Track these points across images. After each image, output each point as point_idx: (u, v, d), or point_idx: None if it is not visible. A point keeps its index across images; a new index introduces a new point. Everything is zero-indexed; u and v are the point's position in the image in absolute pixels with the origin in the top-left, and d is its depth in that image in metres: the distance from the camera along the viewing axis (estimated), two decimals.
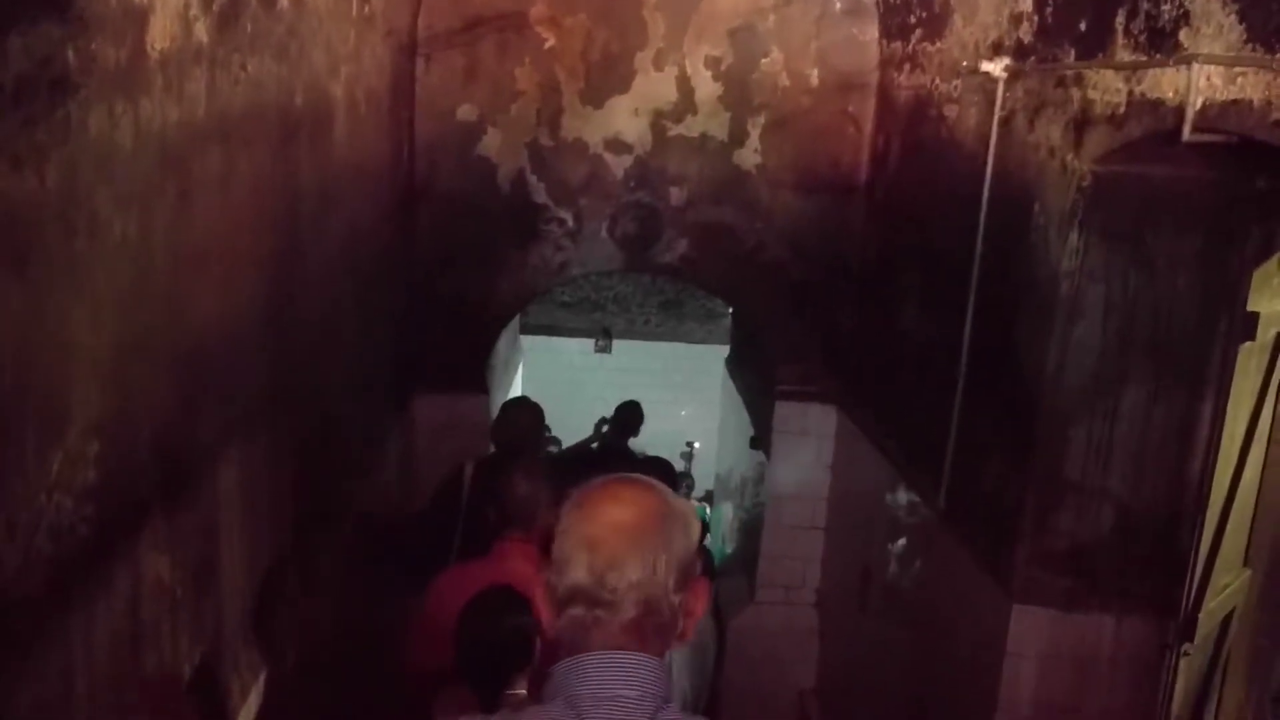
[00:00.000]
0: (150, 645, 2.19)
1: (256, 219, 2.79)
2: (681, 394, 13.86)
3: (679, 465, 11.80)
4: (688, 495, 7.98)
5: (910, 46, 4.71)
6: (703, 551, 3.55)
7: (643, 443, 7.10)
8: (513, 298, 5.57)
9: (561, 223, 5.38)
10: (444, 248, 5.34)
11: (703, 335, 12.36)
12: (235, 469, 2.68)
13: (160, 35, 2.07)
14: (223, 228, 2.50)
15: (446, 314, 5.41)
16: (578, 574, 1.50)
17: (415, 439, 5.46)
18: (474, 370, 5.61)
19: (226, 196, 2.52)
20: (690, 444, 12.58)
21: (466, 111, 5.19)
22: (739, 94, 5.22)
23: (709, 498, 10.61)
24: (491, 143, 5.24)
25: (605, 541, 1.50)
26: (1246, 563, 3.12)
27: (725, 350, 9.28)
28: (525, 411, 4.55)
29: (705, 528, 5.87)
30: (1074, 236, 3.11)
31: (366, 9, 3.95)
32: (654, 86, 5.20)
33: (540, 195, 5.33)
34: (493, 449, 4.55)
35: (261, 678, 2.91)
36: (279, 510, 3.13)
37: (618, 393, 12.46)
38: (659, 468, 4.91)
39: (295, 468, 3.28)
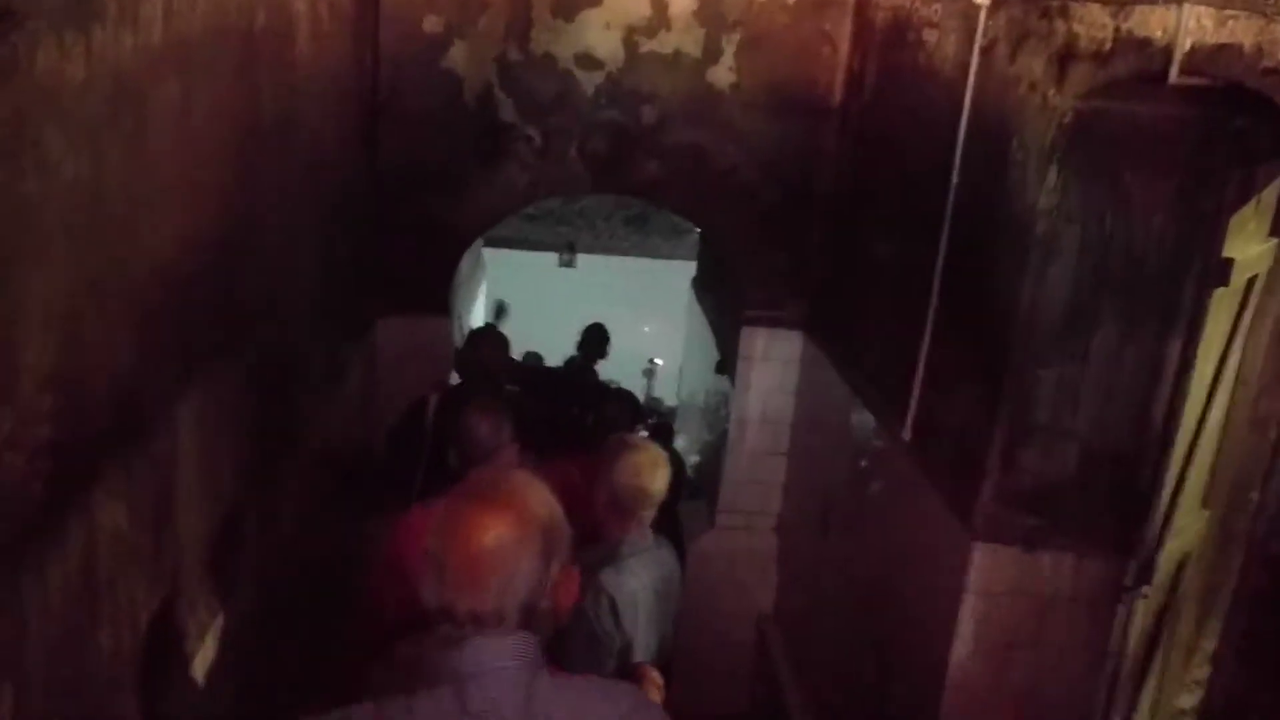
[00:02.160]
0: (107, 595, 2.15)
1: (216, 148, 2.68)
2: (646, 310, 13.83)
3: (640, 383, 11.83)
4: (657, 421, 7.95)
5: None
6: (677, 487, 3.55)
7: (608, 358, 7.09)
8: (478, 219, 5.45)
9: (529, 141, 5.25)
10: (408, 166, 5.20)
11: (668, 251, 12.26)
12: (194, 408, 2.61)
13: None
14: (181, 161, 2.40)
15: (410, 235, 5.29)
16: (445, 596, 1.58)
17: (379, 362, 5.39)
18: (438, 292, 5.52)
19: (185, 128, 2.41)
20: (653, 361, 12.58)
21: (432, 23, 5.01)
22: (714, 9, 5.08)
23: (671, 415, 10.65)
24: (458, 56, 5.08)
25: (469, 565, 1.57)
26: (1206, 504, 3.17)
27: (691, 267, 9.21)
28: (489, 341, 4.49)
29: (680, 465, 5.90)
30: (1052, 174, 3.07)
31: None
32: (627, 0, 5.04)
33: (508, 112, 5.19)
34: (457, 379, 4.50)
35: (220, 619, 2.89)
36: (238, 447, 3.07)
37: (582, 307, 12.41)
38: (624, 400, 4.87)
39: (255, 402, 3.21)
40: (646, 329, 13.79)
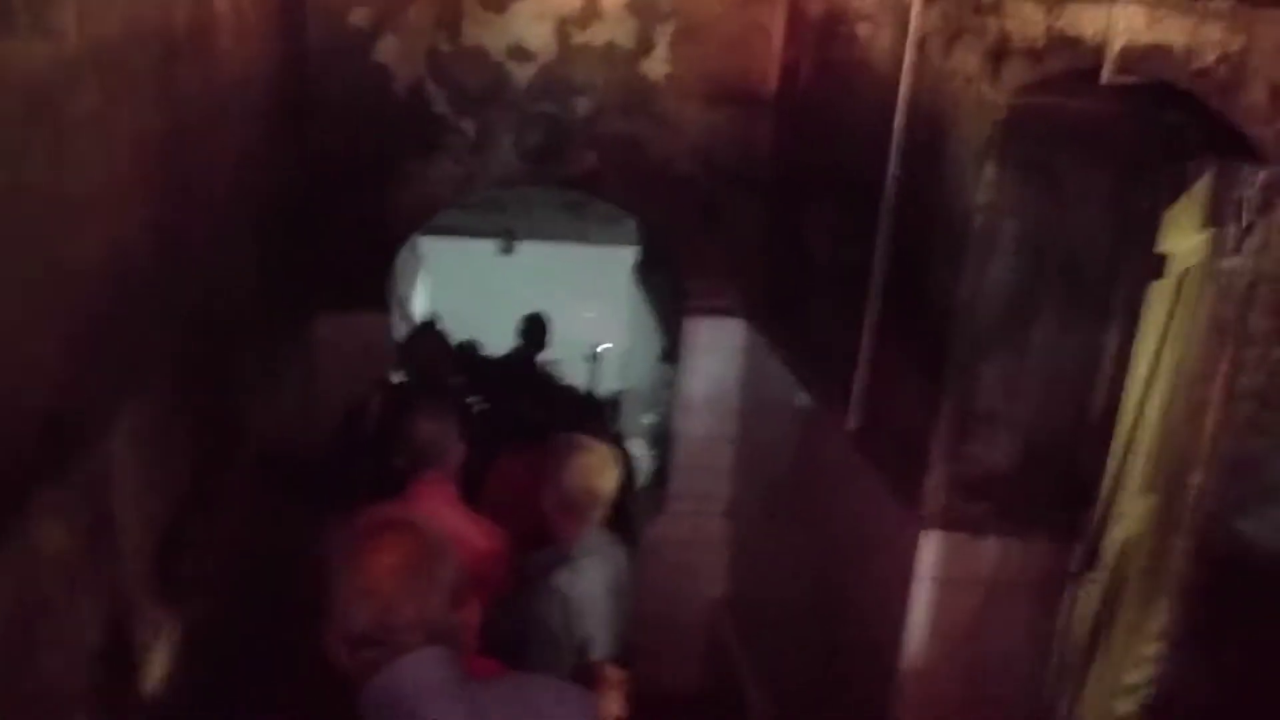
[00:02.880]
0: (47, 620, 2.08)
1: (139, 153, 2.59)
2: (587, 296, 13.76)
3: (585, 369, 11.78)
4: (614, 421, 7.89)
5: None
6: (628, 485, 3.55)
7: (547, 349, 7.02)
8: (414, 213, 5.36)
9: (463, 134, 5.17)
10: (341, 161, 5.10)
11: (608, 236, 12.20)
12: (129, 420, 2.54)
13: None
14: (103, 169, 2.32)
15: (345, 230, 5.20)
16: (361, 621, 1.70)
17: (318, 359, 5.29)
18: (375, 288, 5.43)
19: (106, 134, 2.33)
20: (595, 347, 12.54)
21: (360, 16, 4.91)
22: (646, 1, 5.04)
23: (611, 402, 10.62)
24: (387, 49, 4.98)
25: (380, 588, 1.70)
26: (1148, 489, 3.22)
27: (630, 251, 9.18)
28: (429, 339, 4.44)
29: (630, 464, 5.89)
30: (989, 169, 3.08)
31: None
32: None
33: (440, 105, 5.10)
34: (399, 378, 4.44)
35: (171, 630, 2.82)
36: (177, 455, 3.00)
37: (522, 294, 12.32)
38: (569, 395, 4.82)
39: (192, 409, 3.14)
40: (589, 314, 13.72)
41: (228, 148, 3.53)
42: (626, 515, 3.98)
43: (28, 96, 1.91)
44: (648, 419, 7.86)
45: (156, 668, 2.71)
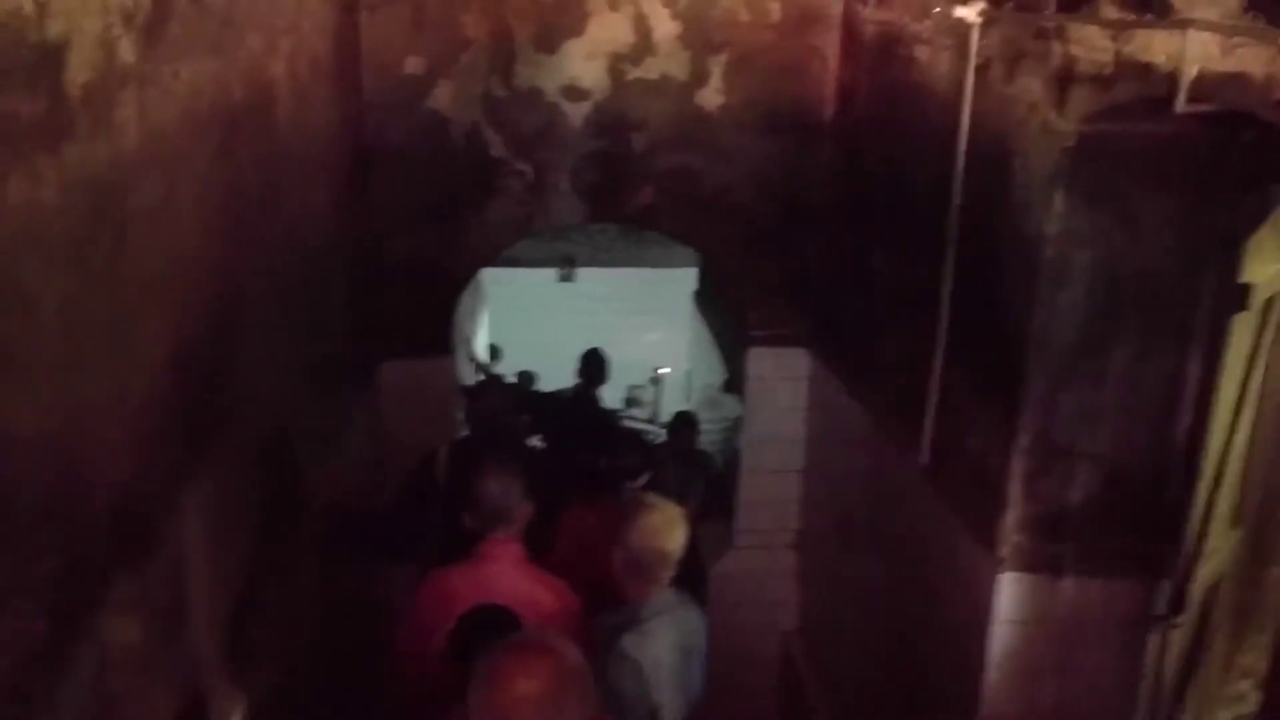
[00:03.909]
0: (123, 711, 2.09)
1: (201, 233, 2.61)
2: (648, 319, 13.78)
3: (648, 391, 11.77)
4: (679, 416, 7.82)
5: None
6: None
7: (611, 370, 7.00)
8: (474, 256, 5.39)
9: (521, 175, 5.18)
10: (400, 209, 5.13)
11: (666, 259, 12.20)
12: (196, 499, 2.56)
13: (81, 69, 1.88)
14: (165, 255, 2.34)
15: (407, 277, 5.22)
16: None
17: (384, 406, 5.32)
18: (438, 332, 5.45)
19: (167, 219, 2.35)
20: (658, 370, 12.53)
21: (414, 64, 4.94)
22: (698, 32, 5.00)
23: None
24: (442, 96, 5.00)
25: (518, 713, 1.76)
26: (1236, 524, 3.10)
27: (689, 273, 9.14)
28: (495, 392, 4.45)
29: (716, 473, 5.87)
30: (1059, 199, 3.00)
31: None
32: (609, 28, 4.97)
33: (497, 148, 5.12)
34: (466, 430, 4.45)
35: (243, 704, 2.83)
36: (245, 526, 3.02)
37: (583, 322, 12.37)
38: (634, 443, 4.79)
39: (258, 474, 3.15)
40: (650, 337, 13.73)
41: (289, 207, 3.56)
42: (697, 565, 3.93)
43: (90, 194, 1.93)
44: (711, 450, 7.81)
45: None
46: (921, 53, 4.01)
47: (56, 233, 1.79)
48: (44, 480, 1.74)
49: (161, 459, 2.32)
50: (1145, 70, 2.56)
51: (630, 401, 9.30)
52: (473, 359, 7.32)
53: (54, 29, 1.76)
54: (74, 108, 1.85)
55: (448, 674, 2.63)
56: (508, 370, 9.47)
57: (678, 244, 9.89)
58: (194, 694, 2.50)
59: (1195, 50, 2.34)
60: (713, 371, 7.78)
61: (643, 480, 4.02)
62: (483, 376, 7.24)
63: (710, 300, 7.62)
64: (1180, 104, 2.39)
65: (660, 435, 9.40)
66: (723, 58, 5.04)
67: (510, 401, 4.51)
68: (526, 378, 9.29)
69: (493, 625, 2.60)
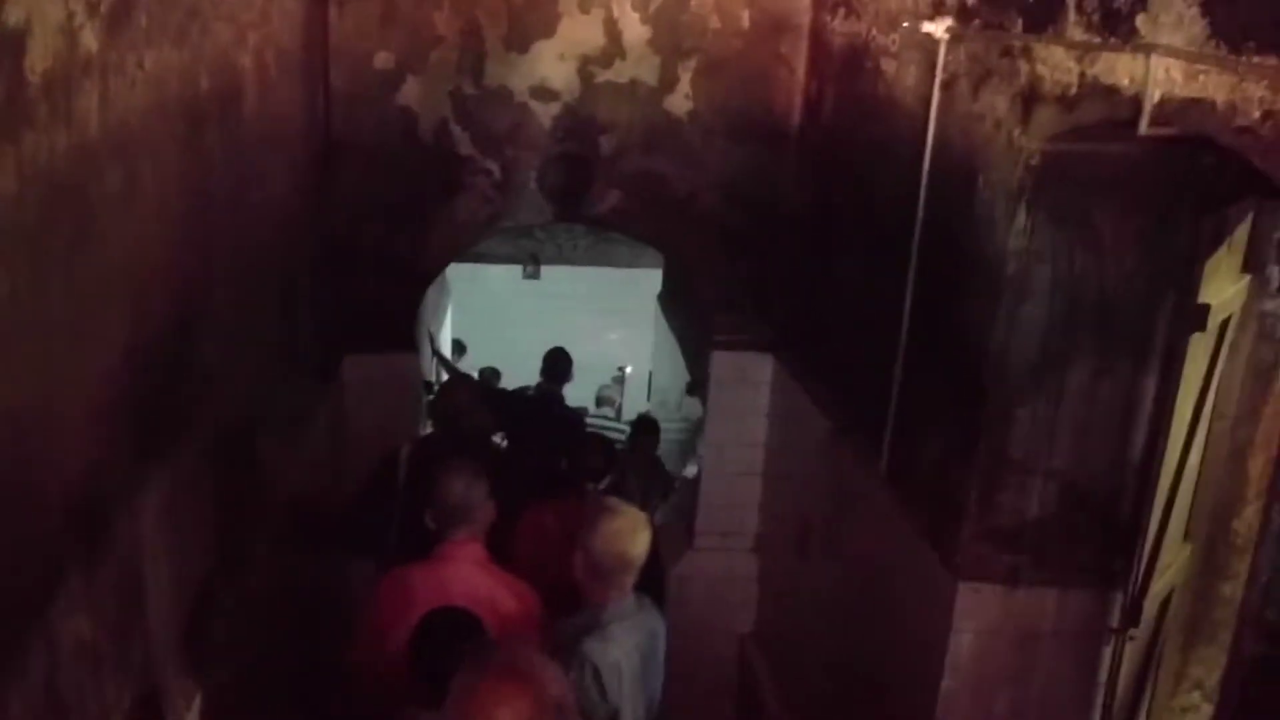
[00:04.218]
0: (74, 709, 2.06)
1: (165, 226, 2.58)
2: (612, 318, 13.78)
3: (612, 392, 11.76)
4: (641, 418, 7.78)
5: None
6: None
7: (575, 369, 7.00)
8: (440, 252, 5.36)
9: (488, 174, 5.16)
10: (367, 204, 5.09)
11: (631, 259, 12.20)
12: (155, 494, 2.52)
13: (41, 56, 1.84)
14: (127, 248, 2.31)
15: (372, 272, 5.18)
16: None
17: (346, 401, 5.29)
18: (402, 327, 5.42)
19: (128, 211, 2.31)
20: (622, 369, 12.52)
21: (384, 59, 4.91)
22: (669, 37, 5.01)
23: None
24: (411, 92, 4.97)
25: None
26: (1188, 537, 3.15)
27: (654, 273, 9.14)
28: (462, 391, 4.43)
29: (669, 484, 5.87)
30: (1021, 215, 3.03)
31: None
32: (580, 30, 4.96)
33: (465, 146, 5.09)
34: (430, 428, 4.43)
35: (197, 701, 2.80)
36: (206, 518, 2.98)
37: (548, 319, 12.34)
38: (597, 444, 4.77)
39: (220, 468, 3.12)
40: (614, 337, 13.73)
41: (255, 200, 3.52)
42: (657, 569, 3.94)
43: (48, 184, 1.90)
44: (673, 453, 7.82)
45: None
46: (888, 66, 4.04)
47: (12, 222, 1.76)
48: None
49: (118, 454, 2.29)
50: (1109, 92, 2.59)
51: (600, 400, 9.28)
52: (436, 354, 7.27)
53: (14, 15, 1.73)
54: (33, 96, 1.82)
55: (406, 675, 2.62)
56: (471, 367, 9.43)
57: (643, 246, 9.91)
58: (148, 691, 2.47)
59: (1159, 75, 2.37)
60: (675, 373, 7.79)
61: (605, 482, 4.02)
62: (446, 373, 7.19)
63: (675, 302, 7.63)
64: (1143, 127, 2.42)
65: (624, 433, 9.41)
66: (692, 63, 5.05)
67: (476, 399, 4.48)
68: (489, 374, 9.25)
69: (454, 629, 2.59)
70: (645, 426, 6.60)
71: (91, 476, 2.13)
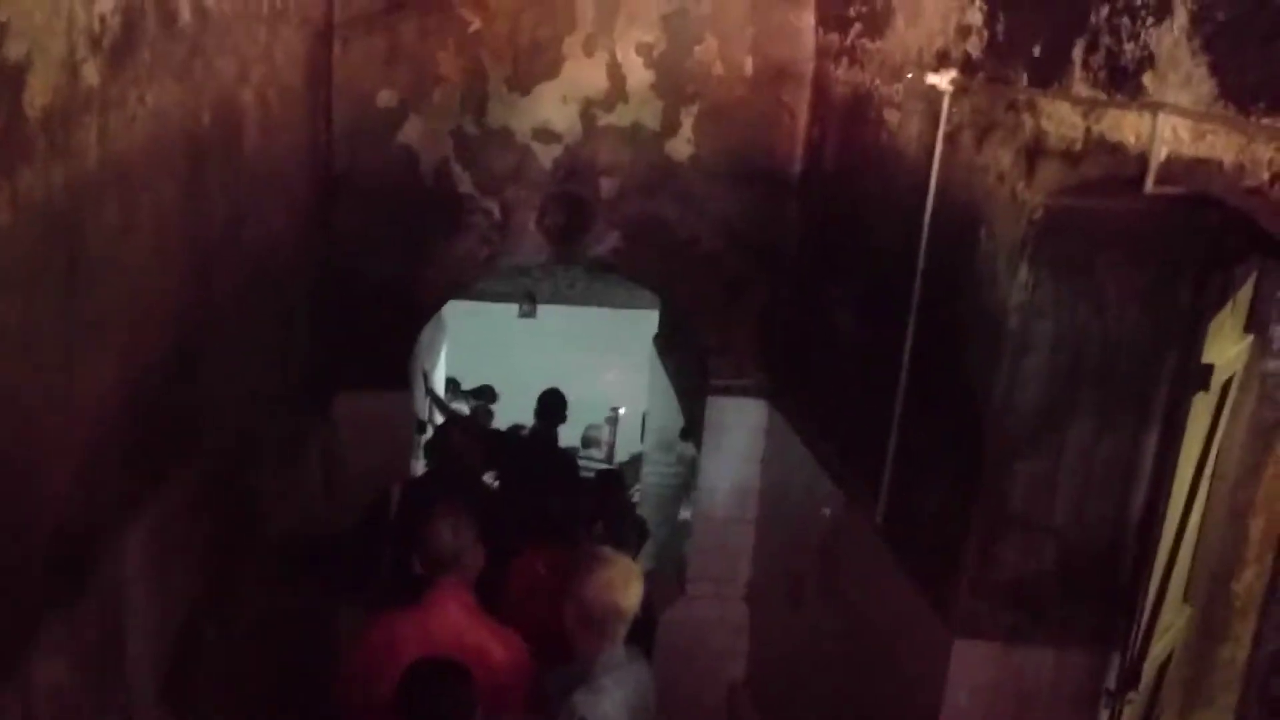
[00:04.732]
0: None
1: (161, 260, 2.55)
2: (607, 358, 13.73)
3: (605, 431, 11.71)
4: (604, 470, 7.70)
5: (849, 40, 4.56)
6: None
7: (570, 408, 6.94)
8: (437, 290, 5.35)
9: (488, 214, 5.15)
10: (365, 241, 5.07)
11: (628, 300, 12.19)
12: (140, 534, 2.47)
13: (41, 91, 1.82)
14: (122, 284, 2.27)
15: (368, 309, 5.15)
16: None
17: (338, 439, 5.23)
18: (397, 366, 5.39)
19: (125, 246, 2.28)
20: (615, 409, 12.47)
21: (387, 97, 4.91)
22: (671, 82, 5.03)
23: (634, 461, 10.54)
24: (413, 130, 4.98)
25: None
26: (1187, 598, 3.11)
27: (651, 314, 9.12)
28: (458, 432, 4.39)
29: (645, 534, 5.78)
30: (1024, 270, 3.01)
31: (279, 3, 3.66)
32: (584, 73, 4.98)
33: (465, 185, 5.09)
34: (426, 467, 4.39)
35: None
36: (192, 558, 2.93)
37: (543, 358, 12.30)
38: (588, 490, 4.73)
39: (209, 510, 3.07)
40: (609, 377, 13.68)
41: (253, 237, 3.50)
42: (649, 618, 3.88)
43: (45, 219, 1.87)
44: (665, 501, 7.75)
45: None
46: (891, 116, 4.05)
47: (6, 257, 1.73)
48: None
49: (105, 495, 2.24)
50: (1115, 149, 2.58)
51: (587, 441, 9.23)
52: (430, 393, 7.23)
53: (15, 49, 1.71)
54: (31, 130, 1.79)
55: None
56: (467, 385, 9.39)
57: (639, 287, 9.92)
58: None
59: (1166, 133, 2.36)
60: (670, 415, 7.75)
61: (598, 528, 3.97)
62: (439, 412, 7.15)
63: (671, 344, 7.60)
64: (1149, 185, 2.40)
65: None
66: (694, 108, 5.07)
67: (471, 440, 4.44)
68: (482, 411, 9.20)
69: (441, 678, 2.53)
70: (609, 479, 6.32)
71: (75, 519, 2.09)
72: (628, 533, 4.19)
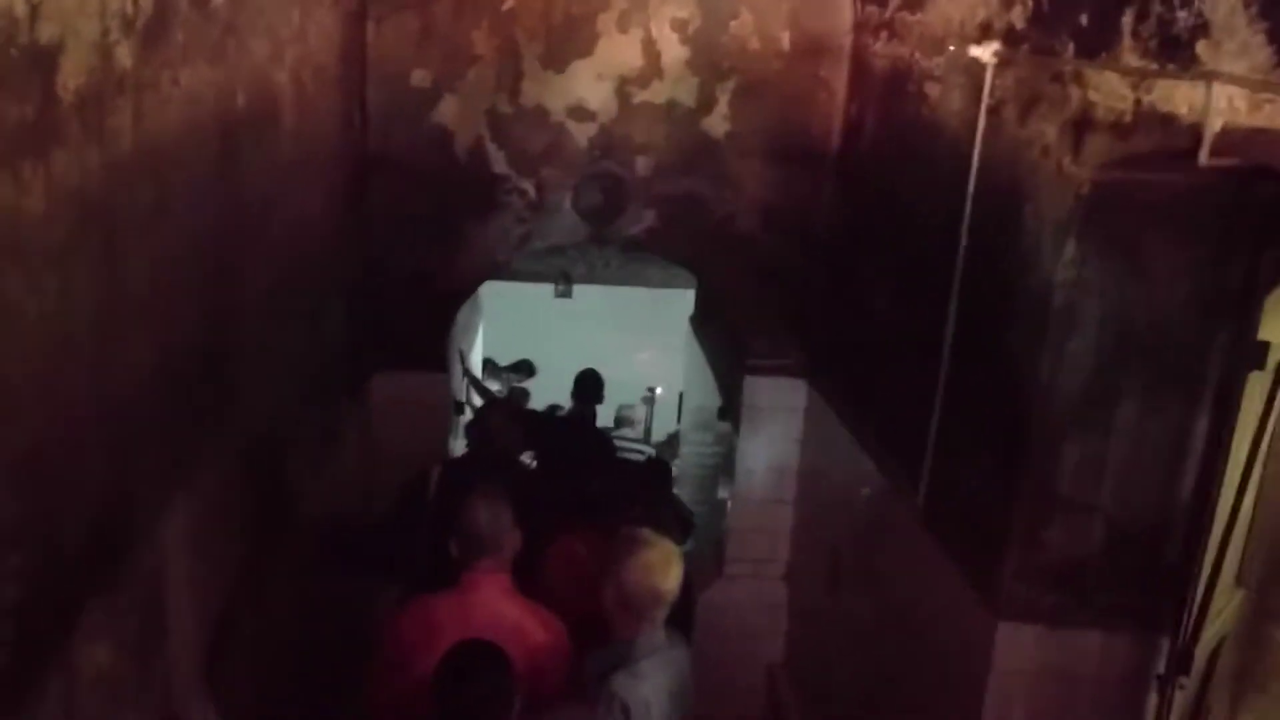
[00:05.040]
0: None
1: (195, 243, 2.54)
2: (643, 338, 13.71)
3: (640, 411, 11.68)
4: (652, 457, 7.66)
5: (888, 13, 4.47)
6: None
7: (605, 388, 6.92)
8: (472, 272, 5.33)
9: (523, 194, 5.12)
10: (400, 221, 5.07)
11: (664, 279, 12.12)
12: (178, 517, 2.48)
13: (74, 73, 1.81)
14: (157, 269, 2.27)
15: (404, 290, 5.16)
16: None
17: (375, 420, 5.25)
18: (433, 347, 5.39)
19: (160, 231, 2.28)
20: (651, 389, 12.43)
21: (420, 77, 4.89)
22: (707, 58, 4.96)
23: (671, 441, 10.51)
24: (448, 110, 4.95)
25: None
26: (1240, 582, 3.04)
27: (687, 294, 9.07)
28: (500, 414, 4.39)
29: (690, 526, 5.75)
30: (1071, 246, 2.94)
31: None
32: (618, 50, 4.92)
33: (500, 165, 5.06)
34: (465, 448, 4.39)
35: None
36: (230, 541, 2.94)
37: (579, 338, 12.29)
38: (628, 472, 4.70)
39: (245, 489, 3.08)
40: (644, 356, 13.66)
41: (287, 218, 3.49)
42: (688, 601, 3.84)
43: (79, 203, 1.86)
44: (702, 479, 7.71)
45: None
46: (932, 90, 3.96)
47: (41, 242, 1.72)
48: (14, 504, 1.66)
49: (143, 478, 2.24)
50: (1166, 120, 2.50)
51: (620, 421, 9.19)
52: (467, 374, 7.23)
53: (47, 32, 1.70)
54: (65, 113, 1.78)
55: (429, 708, 2.55)
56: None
57: (675, 266, 9.86)
58: (166, 717, 2.41)
59: (1221, 104, 2.28)
60: (707, 395, 7.70)
61: (636, 509, 3.94)
62: (477, 393, 7.15)
63: (707, 324, 7.54)
64: (1203, 157, 2.32)
65: (651, 456, 9.28)
66: (730, 85, 5.00)
67: (510, 421, 4.42)
68: (523, 367, 9.18)
69: (479, 661, 2.52)
70: (657, 469, 6.28)
71: (114, 502, 2.09)
72: (670, 524, 4.13)
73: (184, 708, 2.53)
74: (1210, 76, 2.32)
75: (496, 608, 2.96)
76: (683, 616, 3.33)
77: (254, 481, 3.15)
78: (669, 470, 6.04)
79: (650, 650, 2.80)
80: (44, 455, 1.77)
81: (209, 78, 2.56)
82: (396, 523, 4.12)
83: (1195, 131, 2.38)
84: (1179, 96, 2.46)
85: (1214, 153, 2.32)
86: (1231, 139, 2.28)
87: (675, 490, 6.39)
